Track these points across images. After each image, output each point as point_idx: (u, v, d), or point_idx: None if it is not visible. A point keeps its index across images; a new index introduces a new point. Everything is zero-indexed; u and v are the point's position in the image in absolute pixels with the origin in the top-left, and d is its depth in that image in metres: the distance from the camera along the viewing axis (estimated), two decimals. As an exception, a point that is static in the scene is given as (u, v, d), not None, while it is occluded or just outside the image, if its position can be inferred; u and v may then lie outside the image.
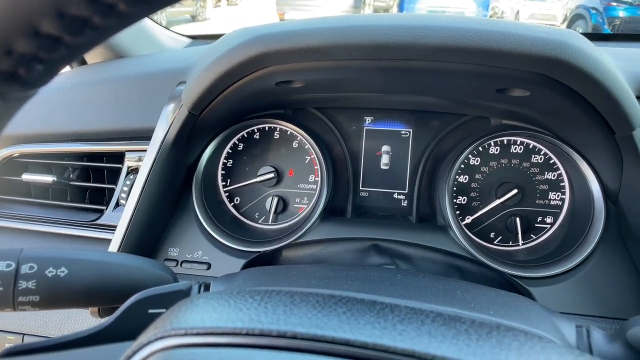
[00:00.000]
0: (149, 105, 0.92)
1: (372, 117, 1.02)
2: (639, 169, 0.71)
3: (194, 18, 11.14)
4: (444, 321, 0.36)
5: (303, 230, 0.91)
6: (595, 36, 2.08)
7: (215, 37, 0.81)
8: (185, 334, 0.34)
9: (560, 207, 0.94)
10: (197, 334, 0.34)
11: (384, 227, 0.92)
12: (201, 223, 0.93)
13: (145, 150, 0.86)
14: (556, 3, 8.58)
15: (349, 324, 0.34)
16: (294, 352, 0.32)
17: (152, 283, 0.55)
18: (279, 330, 0.33)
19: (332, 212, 1.00)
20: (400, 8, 9.44)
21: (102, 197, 0.98)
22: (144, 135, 0.90)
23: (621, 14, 5.48)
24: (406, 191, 1.02)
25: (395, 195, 1.03)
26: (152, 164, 0.83)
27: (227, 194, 1.04)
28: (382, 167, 1.02)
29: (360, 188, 1.04)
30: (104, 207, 0.94)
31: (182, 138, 0.85)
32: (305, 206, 1.01)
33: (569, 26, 6.76)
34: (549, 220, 0.94)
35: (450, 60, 0.64)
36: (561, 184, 0.93)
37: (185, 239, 0.93)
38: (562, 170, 0.93)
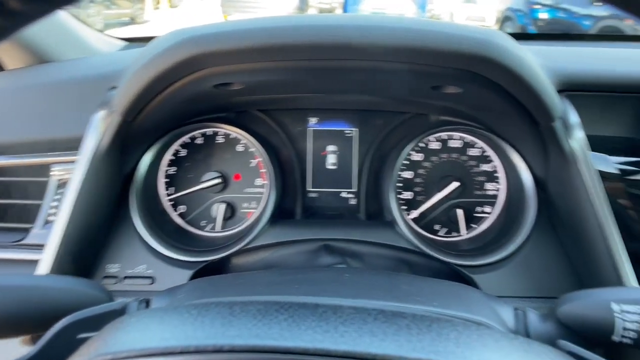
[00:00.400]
0: (77, 113, 0.86)
1: (317, 118, 1.03)
2: (562, 157, 0.76)
3: (132, 20, 10.69)
4: (386, 318, 0.36)
5: (252, 236, 0.89)
6: (521, 36, 2.22)
7: (151, 39, 0.77)
8: (113, 359, 0.32)
9: (497, 197, 0.99)
10: (127, 358, 0.32)
11: (334, 227, 0.92)
12: (142, 235, 0.88)
13: (75, 162, 0.80)
14: (487, 6, 9.12)
15: (289, 330, 0.34)
16: None
17: (84, 305, 0.51)
18: (215, 345, 0.32)
19: (281, 214, 0.99)
20: (345, 10, 9.62)
21: (27, 215, 0.91)
22: (73, 146, 0.84)
23: (544, 15, 5.95)
24: (354, 189, 1.04)
25: (344, 195, 1.04)
26: (84, 176, 0.78)
27: (171, 202, 1.00)
28: (329, 167, 1.03)
29: (309, 189, 1.04)
30: (30, 226, 0.87)
31: (116, 146, 0.80)
32: (254, 210, 1.00)
33: (499, 27, 7.21)
34: (487, 209, 0.99)
35: (385, 59, 0.65)
36: (496, 175, 0.98)
37: (126, 254, 0.88)
38: (496, 162, 0.98)
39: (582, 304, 0.51)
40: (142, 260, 0.87)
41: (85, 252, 0.84)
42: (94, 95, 0.86)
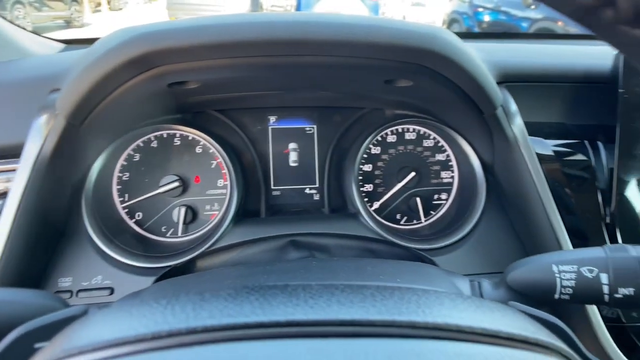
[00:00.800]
0: (12, 118, 0.81)
1: (276, 116, 1.05)
2: (505, 142, 0.83)
3: (69, 24, 10.10)
4: (352, 290, 0.39)
5: (216, 237, 0.89)
6: (466, 35, 2.35)
7: (93, 41, 0.75)
8: (81, 353, 0.30)
9: (452, 184, 1.05)
10: (95, 350, 0.31)
11: (299, 222, 0.95)
12: (97, 245, 0.85)
13: (15, 170, 0.75)
14: (435, 9, 9.50)
15: (261, 308, 0.34)
16: (208, 345, 0.31)
17: (37, 315, 0.46)
18: (188, 327, 0.31)
19: (245, 214, 1.00)
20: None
21: None
22: (10, 153, 0.79)
23: (487, 17, 6.33)
24: (317, 185, 1.07)
25: (307, 191, 1.07)
26: (26, 185, 0.73)
27: (126, 210, 0.97)
28: (291, 164, 1.06)
29: (272, 187, 1.06)
30: None
31: (61, 152, 0.76)
32: (217, 212, 0.99)
33: (447, 28, 7.54)
34: (443, 196, 1.06)
35: (338, 54, 0.69)
36: (449, 164, 1.05)
37: (79, 266, 0.84)
38: (449, 152, 1.05)
39: (528, 269, 0.57)
40: (98, 271, 0.84)
41: (31, 267, 0.79)
42: (31, 98, 0.80)
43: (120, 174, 0.96)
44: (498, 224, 0.92)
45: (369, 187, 1.04)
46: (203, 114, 1.01)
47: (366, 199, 1.03)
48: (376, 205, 1.04)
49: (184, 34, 0.67)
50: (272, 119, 1.05)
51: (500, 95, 0.80)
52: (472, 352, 0.32)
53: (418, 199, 1.03)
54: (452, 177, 1.05)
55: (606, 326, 0.81)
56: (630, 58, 0.29)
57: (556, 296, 0.54)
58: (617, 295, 0.52)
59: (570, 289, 0.54)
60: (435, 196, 1.05)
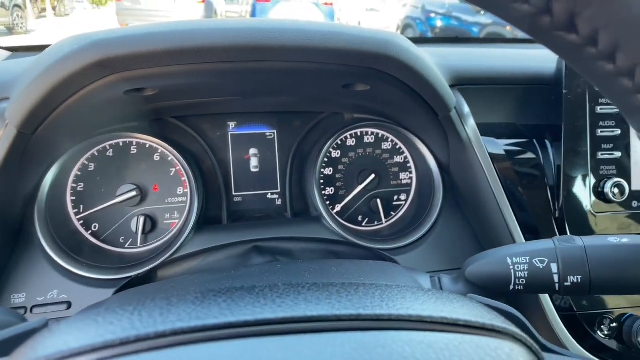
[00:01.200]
0: None
1: (236, 122, 1.04)
2: (459, 143, 0.86)
3: (11, 30, 9.59)
4: (318, 288, 0.40)
5: (177, 246, 0.87)
6: (419, 40, 2.42)
7: (42, 48, 0.72)
8: None
9: (410, 185, 1.08)
10: (62, 359, 0.30)
11: (261, 227, 0.94)
12: (51, 258, 0.81)
13: None
14: (390, 15, 9.77)
15: (229, 309, 0.34)
16: (177, 347, 0.31)
17: None
18: (157, 331, 0.31)
19: (207, 222, 0.98)
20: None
21: None
22: None
23: (439, 23, 6.58)
24: (279, 190, 1.06)
25: (269, 196, 1.06)
26: None
27: (81, 221, 0.93)
28: (252, 170, 1.05)
29: (234, 193, 1.04)
30: None
31: (12, 163, 0.73)
32: (177, 221, 0.97)
33: (401, 33, 7.79)
34: (403, 197, 1.08)
35: (295, 60, 0.69)
36: (408, 165, 1.08)
37: (32, 280, 0.80)
38: (407, 153, 1.07)
39: (484, 263, 0.60)
40: (53, 285, 0.80)
41: None
42: None
43: (75, 185, 0.93)
44: (455, 222, 0.96)
45: (330, 191, 1.05)
46: (161, 121, 0.99)
47: (328, 202, 1.04)
48: (338, 208, 1.04)
49: (140, 40, 0.66)
50: (232, 124, 1.04)
51: (454, 98, 0.84)
52: (433, 340, 0.33)
53: (378, 201, 1.05)
54: (411, 178, 1.08)
55: (559, 315, 0.85)
56: (567, 61, 0.31)
57: (511, 287, 0.57)
58: (566, 284, 0.55)
59: (523, 280, 0.57)
60: (395, 197, 1.08)
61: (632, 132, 0.92)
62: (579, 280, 0.55)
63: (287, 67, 0.71)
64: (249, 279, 0.58)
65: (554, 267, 0.56)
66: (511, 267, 0.57)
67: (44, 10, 12.72)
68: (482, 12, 5.58)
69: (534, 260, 0.57)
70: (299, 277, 0.58)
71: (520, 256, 0.58)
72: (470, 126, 0.86)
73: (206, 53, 0.66)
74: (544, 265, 0.56)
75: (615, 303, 0.88)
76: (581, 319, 0.85)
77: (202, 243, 0.89)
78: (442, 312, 0.36)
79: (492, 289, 0.59)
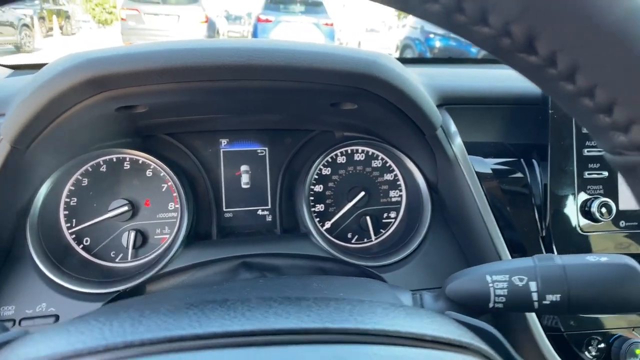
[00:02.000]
0: None
1: (228, 139, 1.05)
2: (447, 161, 0.87)
3: (19, 49, 9.79)
4: (290, 302, 0.40)
5: (165, 260, 0.88)
6: (411, 60, 2.47)
7: (42, 65, 0.75)
8: None
9: (400, 203, 1.09)
10: None
11: (250, 244, 0.95)
12: (42, 271, 0.82)
13: None
14: (389, 35, 9.94)
15: (198, 321, 0.35)
16: (145, 357, 0.31)
17: None
18: (125, 341, 0.32)
19: (198, 237, 0.99)
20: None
21: None
22: None
23: (438, 43, 6.68)
24: (269, 207, 1.07)
25: (260, 212, 1.07)
26: None
27: (73, 235, 0.94)
28: (243, 186, 1.06)
29: (224, 209, 1.05)
30: None
31: (6, 177, 0.75)
32: (167, 236, 0.98)
33: (400, 53, 7.91)
34: (393, 215, 1.09)
35: (282, 79, 0.71)
36: (397, 183, 1.08)
37: (22, 293, 0.81)
38: (397, 171, 1.08)
39: (464, 280, 0.60)
40: (42, 298, 0.81)
41: None
42: None
43: (68, 199, 0.94)
44: (443, 240, 0.96)
45: (320, 207, 1.06)
46: (153, 138, 1.00)
47: (318, 219, 1.05)
48: (327, 225, 1.05)
49: (130, 59, 0.68)
50: (224, 142, 1.05)
51: (440, 117, 0.85)
52: (397, 354, 0.33)
53: (368, 218, 1.05)
54: (401, 196, 1.09)
55: (547, 335, 0.85)
56: (532, 82, 0.32)
57: (490, 305, 0.57)
58: (545, 302, 0.56)
59: (503, 298, 0.57)
60: (385, 215, 1.08)
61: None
62: (558, 299, 0.55)
63: (274, 86, 0.73)
64: (228, 293, 0.58)
65: (533, 286, 0.56)
66: (490, 284, 0.57)
67: (51, 29, 12.98)
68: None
69: (513, 279, 0.57)
70: (278, 292, 0.58)
71: (500, 274, 0.58)
72: (457, 145, 0.87)
73: (194, 72, 0.68)
74: (523, 283, 0.57)
75: (604, 324, 0.88)
76: (569, 339, 0.85)
77: (191, 258, 0.90)
78: (410, 328, 0.36)
79: (472, 306, 0.59)
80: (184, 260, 0.90)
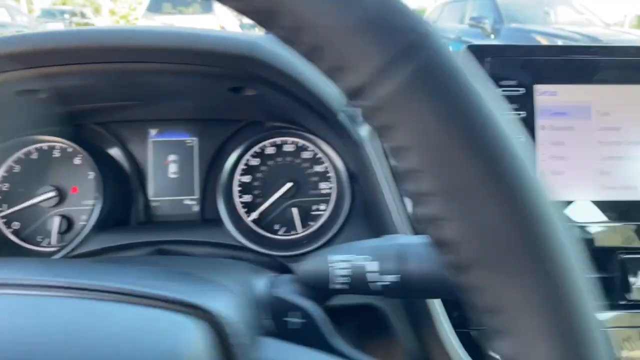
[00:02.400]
0: None
1: (157, 129, 1.07)
2: (354, 145, 0.85)
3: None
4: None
5: (76, 243, 0.90)
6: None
7: None
8: None
9: (330, 195, 1.07)
10: None
11: (166, 230, 0.95)
12: None
13: None
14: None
15: None
16: None
17: None
18: None
19: (120, 224, 1.01)
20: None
21: None
22: None
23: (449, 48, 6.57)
24: (196, 196, 1.08)
25: (186, 202, 1.07)
26: None
27: (4, 220, 0.98)
28: (171, 175, 1.07)
29: (150, 198, 1.06)
30: None
31: None
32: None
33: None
34: (322, 207, 1.07)
35: (164, 61, 0.71)
36: (327, 175, 1.06)
37: None
38: (327, 163, 1.06)
39: (310, 261, 0.58)
40: None
41: None
42: None
43: (1, 185, 0.97)
44: (358, 233, 0.93)
45: (247, 198, 1.05)
46: (83, 127, 1.03)
47: (245, 210, 1.04)
48: (254, 215, 1.04)
49: (19, 41, 0.70)
50: (153, 132, 1.07)
51: (342, 101, 0.83)
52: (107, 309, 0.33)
53: (295, 210, 1.03)
54: (331, 187, 1.06)
55: (457, 332, 0.80)
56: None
57: (331, 286, 0.55)
58: (385, 283, 0.53)
59: (347, 278, 0.55)
60: (314, 207, 1.06)
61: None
62: (398, 280, 0.53)
63: (159, 69, 0.74)
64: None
65: (374, 266, 0.54)
66: (331, 265, 0.55)
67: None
68: (492, 36, 5.55)
69: (356, 259, 0.55)
70: (131, 267, 0.58)
71: (344, 254, 0.56)
72: (365, 128, 0.85)
73: (75, 53, 0.70)
74: (365, 263, 0.54)
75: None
76: (475, 337, 0.80)
77: (101, 242, 0.91)
78: (140, 287, 0.35)
79: (317, 287, 0.57)
80: (95, 244, 0.91)
